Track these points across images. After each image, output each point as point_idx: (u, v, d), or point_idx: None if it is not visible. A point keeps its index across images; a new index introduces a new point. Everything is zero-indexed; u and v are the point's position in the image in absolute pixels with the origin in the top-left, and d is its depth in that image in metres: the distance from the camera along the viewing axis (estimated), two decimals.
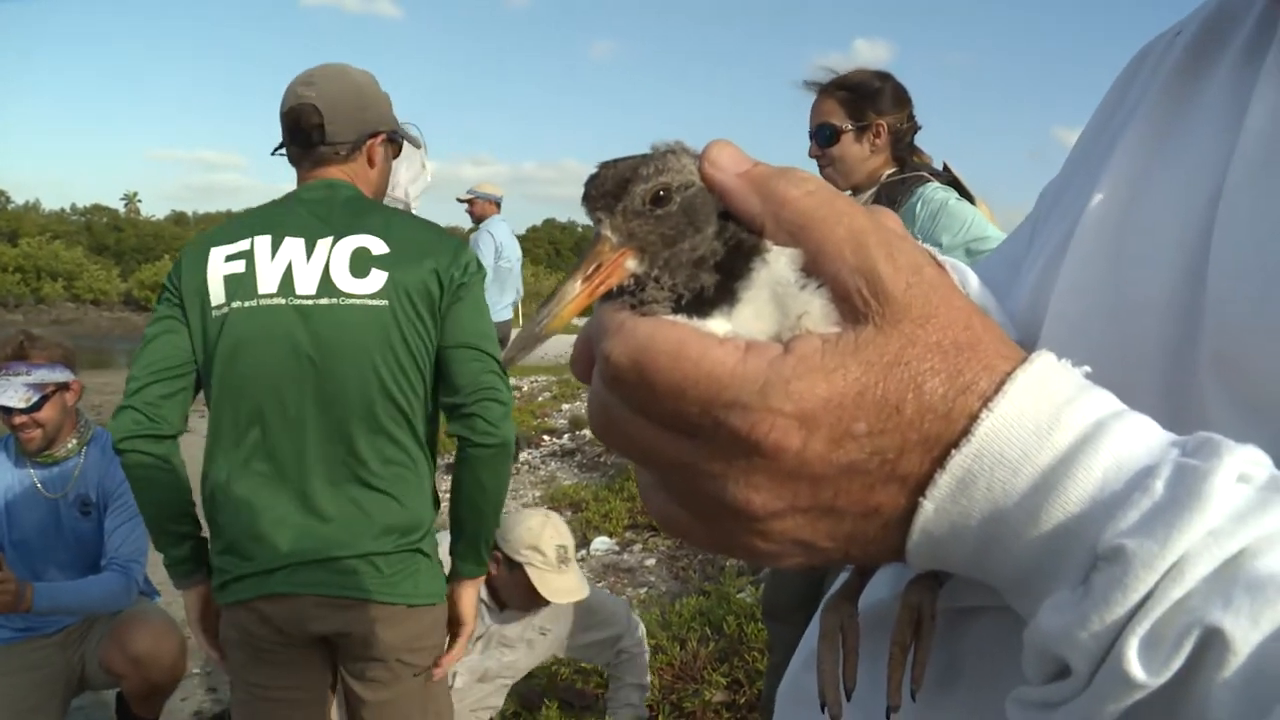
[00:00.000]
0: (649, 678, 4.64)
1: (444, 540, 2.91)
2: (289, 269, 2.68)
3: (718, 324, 0.55)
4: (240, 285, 2.68)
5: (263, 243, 2.71)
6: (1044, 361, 0.53)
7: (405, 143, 3.17)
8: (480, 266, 2.82)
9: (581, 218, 0.59)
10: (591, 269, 0.57)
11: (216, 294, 2.69)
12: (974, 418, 0.51)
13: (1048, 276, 0.75)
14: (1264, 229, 0.62)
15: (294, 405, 2.68)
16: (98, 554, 4.12)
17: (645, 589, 6.68)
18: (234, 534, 2.73)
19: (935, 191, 3.64)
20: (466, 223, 10.32)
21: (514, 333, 10.26)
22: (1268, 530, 0.46)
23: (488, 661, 4.32)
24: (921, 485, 0.52)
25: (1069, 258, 0.73)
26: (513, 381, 16.06)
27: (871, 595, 0.74)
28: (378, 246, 2.70)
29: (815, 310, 0.54)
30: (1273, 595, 0.44)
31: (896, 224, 0.61)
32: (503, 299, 10.21)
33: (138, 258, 72.82)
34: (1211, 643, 0.44)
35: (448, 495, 2.88)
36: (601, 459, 10.45)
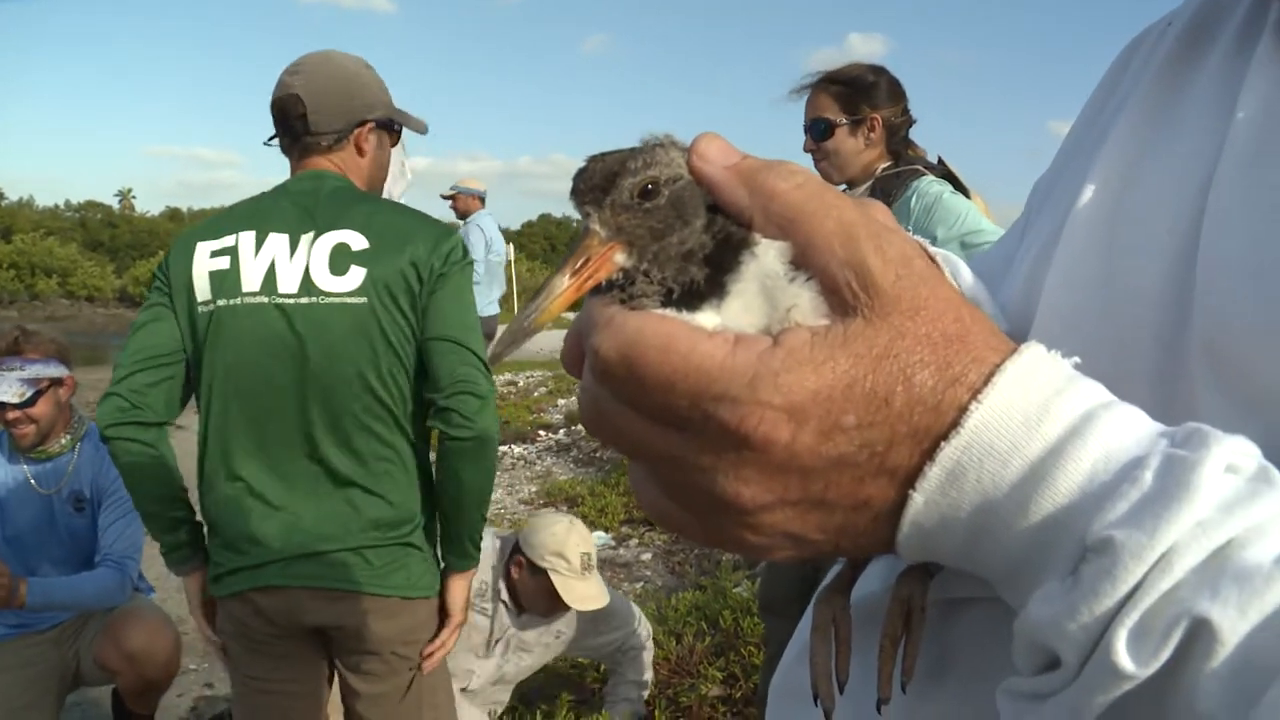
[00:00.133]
0: (649, 673, 4.65)
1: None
2: (272, 266, 2.67)
3: (707, 317, 0.55)
4: (225, 282, 2.68)
5: (247, 239, 2.70)
6: (1033, 353, 0.53)
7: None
8: (465, 254, 2.78)
9: (576, 213, 0.59)
10: (580, 263, 0.57)
11: (202, 290, 2.70)
12: (963, 410, 0.51)
13: (1040, 267, 0.75)
14: (1254, 219, 0.62)
15: (280, 403, 2.69)
16: (92, 550, 4.12)
17: (641, 584, 6.69)
18: (225, 529, 2.75)
19: (930, 185, 3.65)
20: (453, 219, 10.30)
21: (499, 328, 10.28)
22: (1256, 520, 0.46)
23: (506, 667, 4.34)
24: (911, 477, 0.53)
25: (1061, 248, 0.73)
26: (508, 376, 16.12)
27: (863, 588, 0.74)
28: (358, 242, 2.68)
29: (804, 303, 0.54)
30: (1260, 585, 0.44)
31: (886, 217, 0.61)
32: (491, 294, 10.22)
33: (132, 254, 72.59)
34: (1199, 633, 0.44)
35: None
36: (597, 454, 10.45)
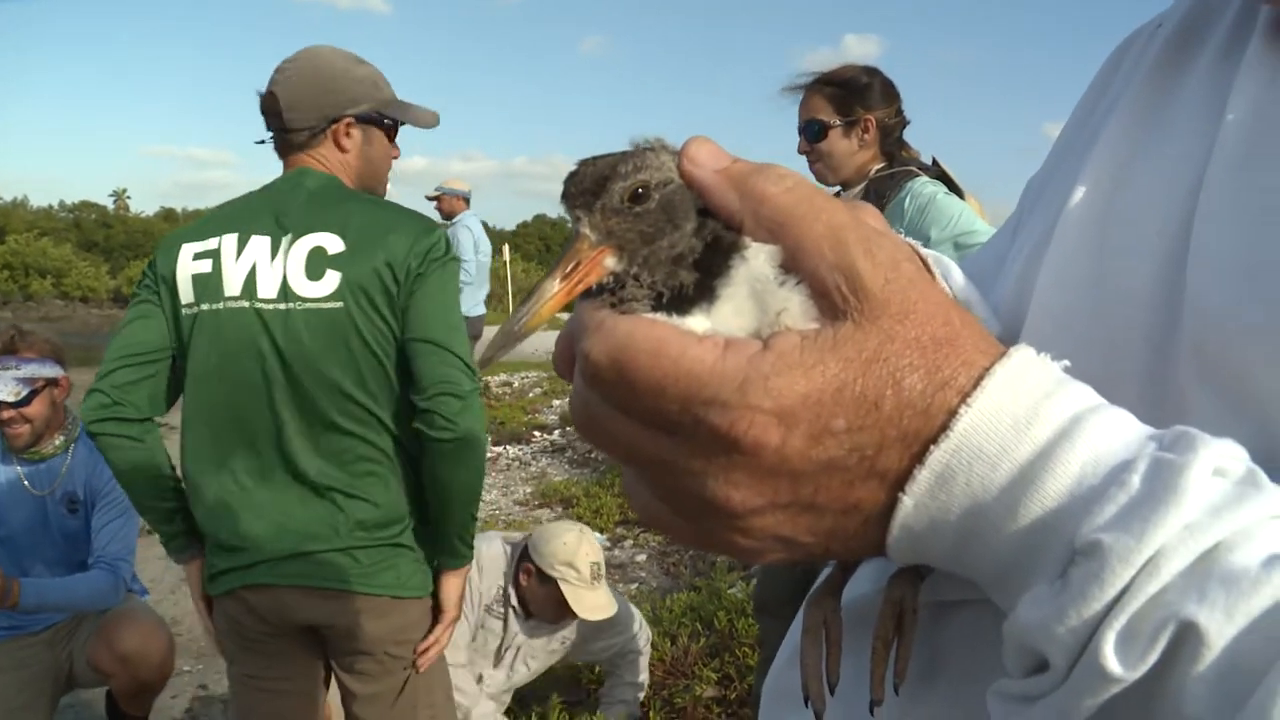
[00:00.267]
0: (646, 675, 4.66)
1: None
2: (252, 271, 2.67)
3: (697, 321, 0.55)
4: (207, 286, 2.69)
5: (229, 242, 2.70)
6: (1022, 356, 0.53)
7: None
8: (447, 251, 2.74)
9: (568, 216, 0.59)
10: (570, 267, 0.57)
11: (186, 293, 2.71)
12: (953, 413, 0.52)
13: (1031, 268, 0.75)
14: (1243, 221, 0.62)
15: (263, 407, 2.69)
16: (85, 552, 4.10)
17: (636, 585, 6.69)
18: (214, 531, 2.77)
19: (924, 186, 3.65)
20: (438, 219, 10.28)
21: (486, 329, 10.28)
22: (1243, 524, 0.47)
23: (515, 678, 4.35)
24: (901, 481, 0.53)
25: (1052, 249, 0.74)
26: (503, 377, 16.12)
27: (854, 590, 0.74)
28: (334, 245, 2.65)
29: (794, 307, 0.54)
30: (1247, 589, 0.44)
31: (876, 220, 0.61)
32: (479, 294, 10.22)
33: (127, 254, 72.43)
34: (1186, 636, 0.45)
35: None
36: (592, 455, 10.44)
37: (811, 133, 3.76)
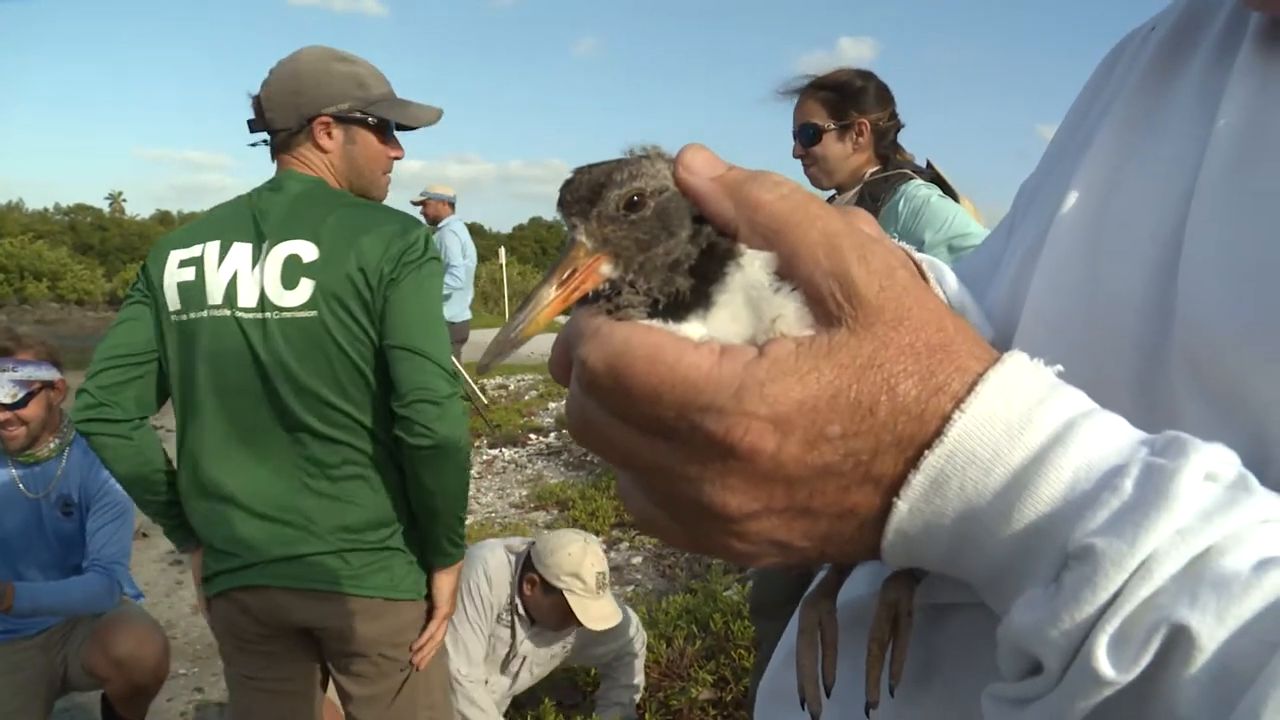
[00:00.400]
0: (641, 678, 4.66)
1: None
2: (233, 279, 2.67)
3: (693, 328, 0.55)
4: (191, 294, 2.70)
5: (212, 250, 2.71)
6: (1016, 361, 0.54)
7: None
8: (425, 251, 2.70)
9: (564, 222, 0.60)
10: (566, 274, 0.57)
11: (172, 300, 2.73)
12: (947, 418, 0.52)
13: (1025, 271, 0.76)
14: (1234, 226, 0.62)
15: (247, 414, 2.71)
16: (80, 555, 4.10)
17: (632, 587, 6.69)
18: (207, 536, 2.81)
19: (918, 189, 3.66)
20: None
21: (471, 333, 10.26)
22: (1234, 528, 0.47)
23: (517, 685, 4.36)
24: (896, 486, 0.53)
25: (1045, 252, 0.74)
26: (499, 380, 16.10)
27: (850, 592, 0.74)
28: (308, 253, 2.65)
29: (789, 313, 0.54)
30: (1238, 592, 0.45)
31: (871, 226, 0.62)
32: (466, 300, 10.24)
33: (123, 257, 72.27)
34: (1178, 640, 0.45)
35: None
36: (588, 458, 10.43)
37: (806, 137, 3.77)
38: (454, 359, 2.79)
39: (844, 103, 3.74)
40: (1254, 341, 0.57)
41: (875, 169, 3.79)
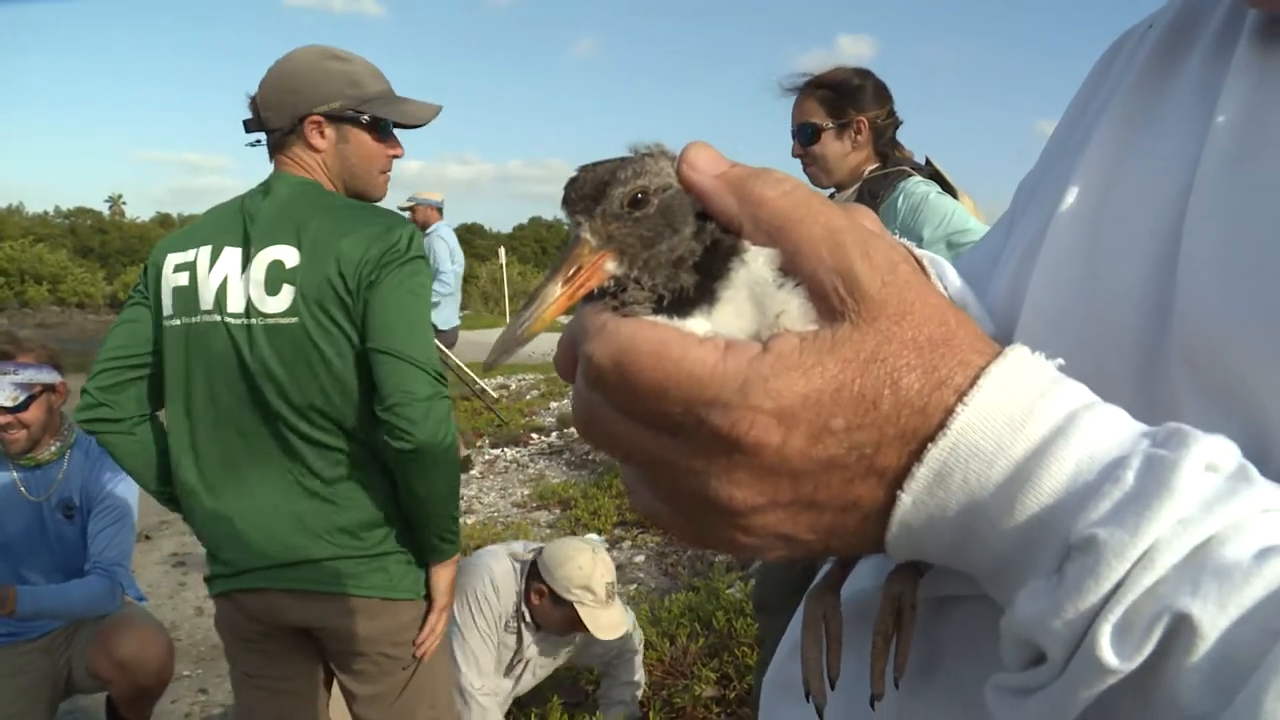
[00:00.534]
0: (641, 674, 4.66)
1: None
2: (223, 285, 2.68)
3: (698, 324, 0.56)
4: (185, 299, 2.72)
5: (204, 255, 2.72)
6: (1017, 355, 0.54)
7: None
8: (409, 248, 2.66)
9: (567, 219, 0.60)
10: (571, 271, 0.58)
11: (167, 305, 2.75)
12: (949, 412, 0.52)
13: (1024, 268, 0.76)
14: (1233, 221, 0.62)
15: (238, 419, 2.72)
16: (81, 558, 4.10)
17: (635, 585, 6.69)
18: (205, 538, 2.84)
19: (917, 186, 3.66)
20: None
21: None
22: (1235, 518, 0.47)
23: (520, 686, 4.36)
24: (899, 479, 0.54)
25: (1045, 249, 0.74)
26: (500, 380, 16.09)
27: (854, 585, 0.75)
28: (290, 258, 2.64)
29: (793, 309, 0.55)
30: (1239, 581, 0.45)
31: (873, 222, 0.62)
32: (454, 306, 10.24)
33: (123, 260, 72.28)
34: (1180, 628, 0.45)
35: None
36: (590, 457, 10.44)
37: (805, 136, 3.77)
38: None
39: (842, 101, 3.75)
40: (1253, 335, 0.58)
41: (874, 166, 3.80)
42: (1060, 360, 0.56)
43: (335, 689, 3.03)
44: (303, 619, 2.78)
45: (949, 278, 0.76)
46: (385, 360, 2.58)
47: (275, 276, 2.64)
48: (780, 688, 0.86)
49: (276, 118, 2.79)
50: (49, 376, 3.99)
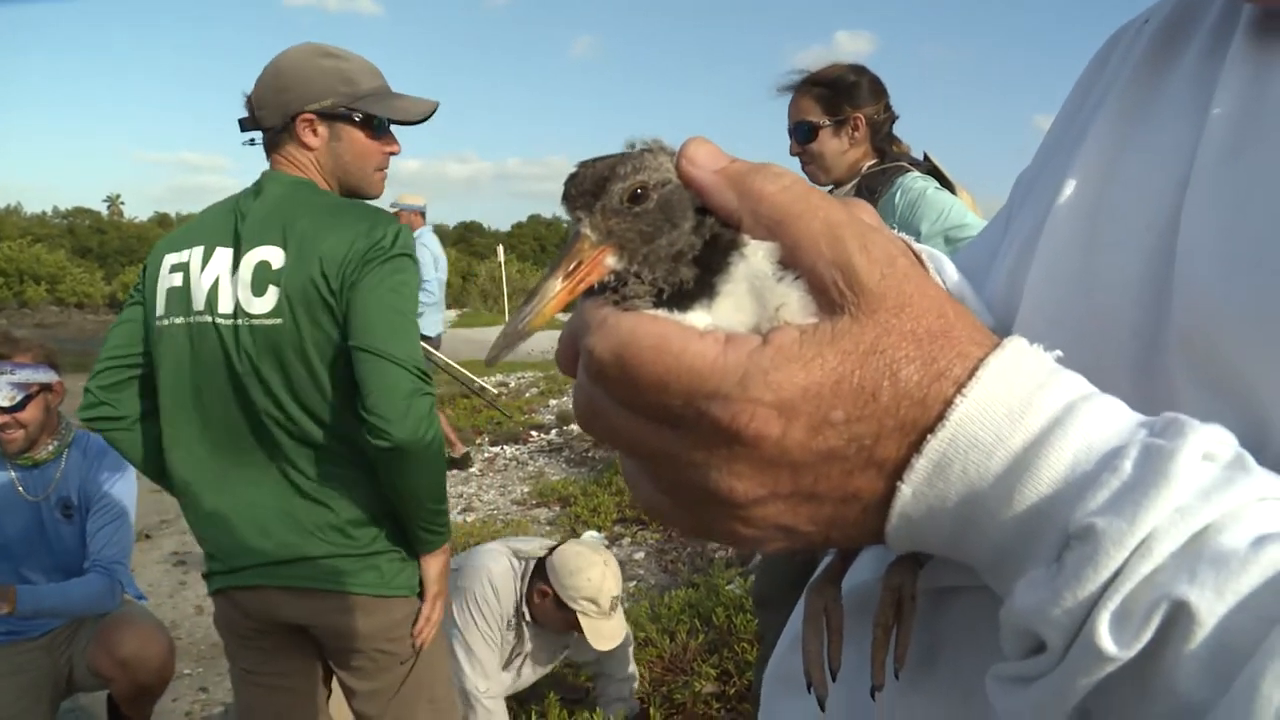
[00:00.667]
0: (634, 667, 4.67)
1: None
2: (214, 286, 2.69)
3: (698, 317, 0.56)
4: (178, 300, 2.73)
5: (197, 255, 2.73)
6: (1016, 346, 0.55)
7: None
8: (394, 245, 2.65)
9: (565, 214, 0.60)
10: (572, 266, 0.58)
11: (160, 305, 2.76)
12: (949, 403, 0.53)
13: (1022, 261, 0.76)
14: (1229, 213, 0.63)
15: (229, 419, 2.73)
16: (81, 557, 4.11)
17: (634, 582, 6.69)
18: (200, 535, 2.86)
19: (914, 181, 3.67)
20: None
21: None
22: (1231, 506, 0.48)
23: (520, 681, 4.37)
24: (899, 470, 0.54)
25: (1043, 242, 0.74)
26: (499, 377, 16.09)
27: (854, 578, 0.75)
28: (276, 259, 2.64)
29: (793, 302, 0.55)
30: (1236, 568, 0.46)
31: (871, 216, 0.63)
32: (438, 314, 10.22)
33: (121, 260, 72.28)
34: (1178, 616, 0.46)
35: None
36: (589, 454, 10.45)
37: (802, 134, 3.77)
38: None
39: (838, 98, 3.75)
40: (1250, 326, 0.58)
41: (872, 162, 3.80)
42: (1059, 352, 0.56)
43: (336, 685, 3.05)
44: (298, 616, 2.79)
45: (947, 272, 0.77)
46: (366, 358, 2.56)
47: (261, 277, 2.64)
48: (781, 680, 0.86)
49: (270, 116, 2.79)
50: (46, 376, 3.99)
